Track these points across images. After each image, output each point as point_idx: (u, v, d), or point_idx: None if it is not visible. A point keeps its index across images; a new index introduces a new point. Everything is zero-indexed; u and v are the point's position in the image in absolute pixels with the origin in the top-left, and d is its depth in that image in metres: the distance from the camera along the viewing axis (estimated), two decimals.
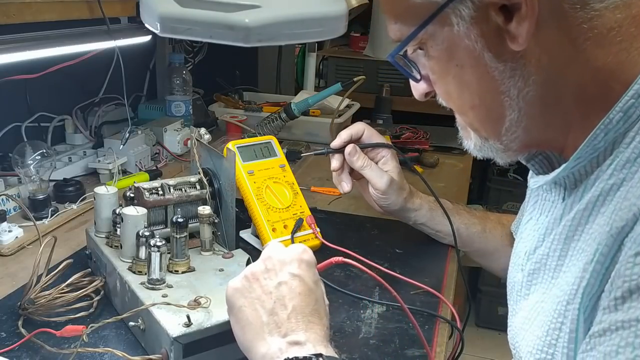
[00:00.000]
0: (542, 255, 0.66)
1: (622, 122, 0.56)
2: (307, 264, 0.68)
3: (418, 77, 0.68)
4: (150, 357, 0.70)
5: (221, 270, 0.83)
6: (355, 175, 1.04)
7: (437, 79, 0.66)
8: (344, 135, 1.01)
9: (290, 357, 0.58)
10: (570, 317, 0.57)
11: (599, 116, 0.58)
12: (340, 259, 0.73)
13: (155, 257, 0.76)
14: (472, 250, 1.05)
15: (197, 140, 0.98)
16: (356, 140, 1.02)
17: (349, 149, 1.00)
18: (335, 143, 1.01)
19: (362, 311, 0.87)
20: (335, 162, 1.02)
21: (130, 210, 0.83)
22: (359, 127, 1.02)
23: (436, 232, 1.06)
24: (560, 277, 0.62)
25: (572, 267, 0.60)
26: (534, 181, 0.69)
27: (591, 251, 0.56)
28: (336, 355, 0.60)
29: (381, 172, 1.00)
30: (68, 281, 0.81)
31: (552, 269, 0.64)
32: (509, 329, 0.75)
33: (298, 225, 1.02)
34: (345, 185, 1.03)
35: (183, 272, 0.82)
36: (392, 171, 1.01)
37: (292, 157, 1.50)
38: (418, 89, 0.70)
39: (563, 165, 0.62)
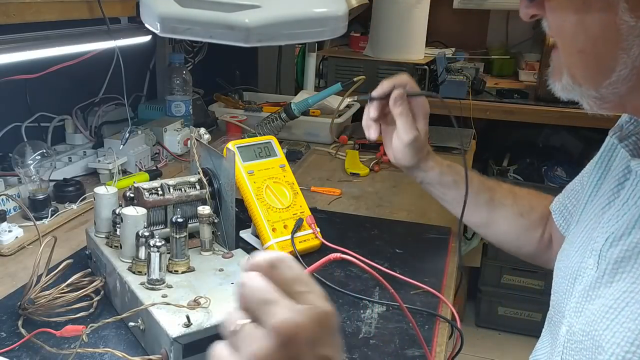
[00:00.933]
0: (636, 243, 0.63)
1: None
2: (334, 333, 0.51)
3: None
4: (150, 357, 0.70)
5: (221, 270, 0.83)
6: (387, 121, 1.03)
7: (555, 9, 0.61)
8: (386, 85, 1.00)
9: None
10: None
11: None
12: (338, 255, 0.73)
13: (155, 257, 0.76)
14: (475, 220, 1.04)
15: (197, 140, 0.98)
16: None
17: (397, 92, 0.98)
18: (378, 91, 1.00)
19: (362, 311, 0.87)
20: (373, 110, 1.01)
21: (130, 211, 0.83)
22: (404, 78, 1.01)
23: (442, 194, 1.06)
24: None
25: None
26: (637, 162, 0.66)
27: None
28: None
29: (412, 126, 0.99)
30: (68, 281, 0.81)
31: None
32: (573, 315, 0.72)
33: (298, 225, 1.02)
34: (373, 133, 1.03)
35: (183, 272, 0.82)
36: (421, 129, 1.01)
37: (292, 157, 1.50)
38: (527, 8, 0.65)
39: None
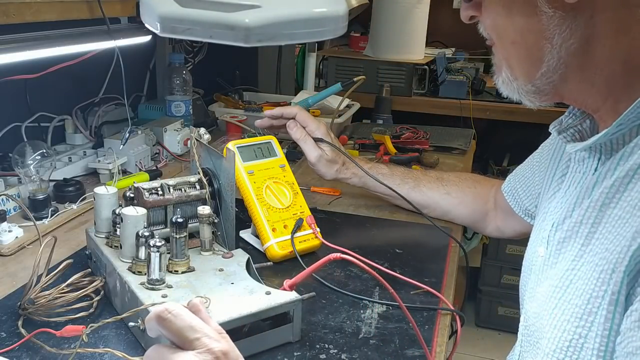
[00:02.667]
0: (574, 224, 0.67)
1: None
2: None
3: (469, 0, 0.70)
4: None
5: (221, 270, 0.83)
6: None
7: (487, 6, 0.67)
8: (276, 112, 1.17)
9: None
10: (613, 281, 0.59)
11: None
12: (338, 255, 0.73)
13: (155, 257, 0.76)
14: (410, 204, 1.16)
15: (197, 140, 0.98)
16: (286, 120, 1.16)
17: (291, 123, 1.15)
18: (261, 122, 1.18)
19: (362, 311, 0.87)
20: (265, 122, 1.18)
21: (130, 211, 0.83)
22: (292, 111, 1.16)
23: (375, 193, 1.20)
24: (593, 243, 0.64)
25: (608, 233, 0.61)
26: (572, 146, 0.71)
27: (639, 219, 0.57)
28: None
29: (314, 147, 1.13)
30: (68, 281, 0.81)
31: (583, 236, 0.65)
32: (527, 301, 0.77)
33: (298, 225, 1.02)
34: (263, 122, 1.19)
35: (183, 272, 0.82)
36: (325, 147, 1.14)
37: (292, 157, 1.50)
38: (466, 10, 0.71)
39: (604, 131, 0.64)
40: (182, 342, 0.53)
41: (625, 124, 0.62)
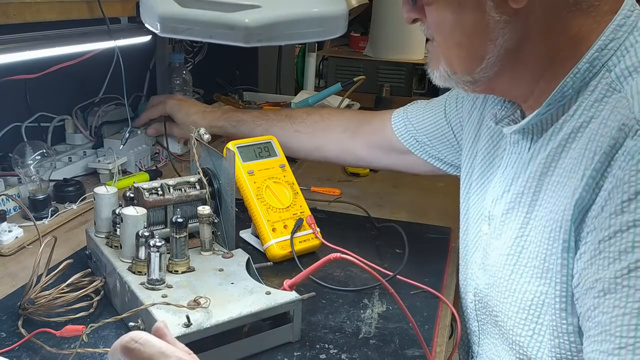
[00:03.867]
0: (516, 195, 0.75)
1: (588, 72, 0.67)
2: None
3: (414, 4, 0.74)
4: None
5: (221, 270, 0.83)
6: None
7: (434, 10, 0.71)
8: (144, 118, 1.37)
9: None
10: (563, 232, 0.65)
11: (566, 73, 0.68)
12: (338, 255, 0.73)
13: (155, 257, 0.76)
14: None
15: (197, 140, 0.98)
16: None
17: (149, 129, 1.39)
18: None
19: (362, 311, 0.87)
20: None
21: (130, 211, 0.83)
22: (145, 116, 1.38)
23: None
24: (537, 210, 0.71)
25: (550, 198, 0.69)
26: (508, 128, 0.78)
27: (576, 176, 0.64)
28: None
29: (176, 130, 1.35)
30: (68, 281, 0.81)
31: (526, 205, 0.73)
32: (476, 276, 0.82)
33: (298, 225, 1.02)
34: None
35: (183, 272, 0.82)
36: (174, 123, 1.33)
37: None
38: (409, 13, 0.76)
39: (535, 112, 0.71)
40: None
41: (553, 104, 0.69)
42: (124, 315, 0.73)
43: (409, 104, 1.12)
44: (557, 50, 0.69)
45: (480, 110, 0.93)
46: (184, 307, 0.71)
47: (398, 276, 0.94)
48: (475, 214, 0.87)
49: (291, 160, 1.40)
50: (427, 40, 0.78)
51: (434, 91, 2.37)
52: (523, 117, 0.79)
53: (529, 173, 0.73)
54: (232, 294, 0.77)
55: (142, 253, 0.79)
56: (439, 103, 1.06)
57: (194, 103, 1.31)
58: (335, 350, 0.77)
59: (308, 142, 1.19)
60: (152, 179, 1.30)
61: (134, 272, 0.80)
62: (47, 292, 0.79)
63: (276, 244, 0.99)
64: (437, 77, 0.76)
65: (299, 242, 1.01)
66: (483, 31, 0.68)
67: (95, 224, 0.91)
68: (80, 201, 1.17)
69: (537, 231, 0.70)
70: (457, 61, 0.73)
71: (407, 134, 1.08)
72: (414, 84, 2.36)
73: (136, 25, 1.25)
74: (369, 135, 1.15)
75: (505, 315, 0.75)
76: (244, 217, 1.05)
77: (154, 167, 1.41)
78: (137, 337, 0.50)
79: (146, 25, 0.98)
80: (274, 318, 0.77)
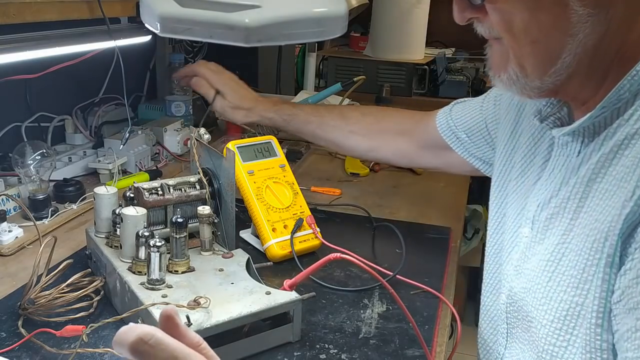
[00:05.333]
0: (562, 200, 0.70)
1: None
2: None
3: (479, 1, 0.66)
4: None
5: (221, 270, 0.83)
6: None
7: (503, 7, 0.65)
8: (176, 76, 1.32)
9: None
10: (608, 245, 0.62)
11: (625, 74, 0.63)
12: (338, 255, 0.73)
13: (155, 257, 0.76)
14: (322, 143, 1.24)
15: (197, 140, 0.98)
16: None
17: (194, 80, 1.23)
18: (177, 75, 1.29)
19: (362, 311, 0.87)
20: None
21: (130, 211, 0.83)
22: (193, 69, 1.25)
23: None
24: (582, 217, 0.67)
25: (597, 206, 0.65)
26: (558, 130, 0.73)
27: (628, 187, 0.61)
28: None
29: (218, 98, 1.21)
30: (68, 281, 0.81)
31: (571, 211, 0.69)
32: (512, 279, 0.78)
33: (298, 225, 1.02)
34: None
35: (183, 272, 0.82)
36: (229, 96, 1.21)
37: (292, 157, 1.50)
38: (464, 12, 0.69)
39: (588, 114, 0.67)
40: None
41: (608, 107, 0.65)
42: (124, 315, 0.73)
43: (455, 101, 1.11)
44: (625, 48, 0.64)
45: (518, 106, 0.89)
46: (184, 307, 0.71)
47: (398, 276, 0.94)
48: (513, 214, 0.83)
49: (291, 160, 1.40)
50: (486, 41, 0.72)
51: (434, 91, 2.37)
52: (570, 116, 0.75)
53: (577, 178, 0.69)
54: (232, 294, 0.77)
55: (142, 253, 0.79)
56: (479, 99, 1.04)
57: (247, 87, 1.26)
58: (335, 350, 0.77)
59: (363, 143, 1.19)
60: (152, 179, 1.30)
61: (134, 272, 0.80)
62: (47, 292, 0.79)
63: (276, 244, 0.99)
64: (503, 80, 0.70)
65: (299, 242, 1.01)
66: (563, 26, 0.62)
67: (95, 224, 0.91)
68: (80, 201, 1.17)
69: (579, 239, 0.67)
70: (531, 61, 0.66)
71: (448, 130, 1.07)
72: (414, 84, 2.35)
73: (136, 25, 1.25)
74: (419, 136, 1.14)
75: (539, 323, 0.72)
76: (244, 217, 1.05)
77: (154, 167, 1.41)
78: (147, 336, 0.43)
79: (146, 25, 0.98)
80: (274, 318, 0.77)
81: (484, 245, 2.03)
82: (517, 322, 0.78)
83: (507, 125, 0.90)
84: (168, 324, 0.46)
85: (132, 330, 0.42)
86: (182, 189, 0.92)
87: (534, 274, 0.72)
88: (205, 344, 0.48)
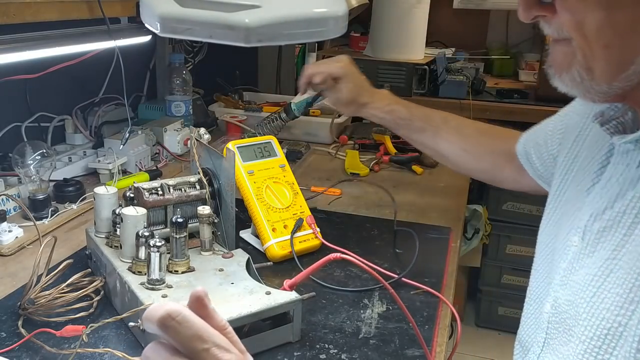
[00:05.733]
0: (617, 214, 0.67)
1: None
2: None
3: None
4: None
5: (221, 270, 0.83)
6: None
7: (576, 6, 0.60)
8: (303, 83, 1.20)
9: None
10: None
11: None
12: (338, 255, 0.73)
13: (155, 257, 0.76)
14: (427, 152, 1.19)
15: (197, 140, 0.98)
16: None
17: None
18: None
19: (362, 311, 0.87)
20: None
21: (130, 211, 0.83)
22: (308, 71, 1.18)
23: (392, 129, 1.18)
24: (636, 234, 0.64)
25: None
26: (619, 137, 0.69)
27: None
28: None
29: (332, 90, 1.15)
30: (68, 281, 0.81)
31: (626, 226, 0.65)
32: (557, 288, 0.75)
33: (298, 225, 1.02)
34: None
35: (183, 272, 0.82)
36: (344, 88, 1.14)
37: (292, 157, 1.50)
38: (531, 11, 0.65)
39: None
40: (188, 352, 0.47)
41: None
42: (124, 315, 0.73)
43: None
44: None
45: (587, 108, 0.84)
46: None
47: (398, 276, 0.94)
48: (567, 221, 0.79)
49: (291, 160, 1.40)
50: (551, 40, 0.67)
51: (434, 91, 2.37)
52: (634, 121, 0.71)
53: (635, 192, 0.65)
54: (232, 294, 0.77)
55: (142, 253, 0.79)
56: (555, 116, 0.99)
57: (365, 79, 1.17)
58: (335, 350, 0.77)
59: (475, 165, 1.13)
60: (152, 179, 1.30)
61: (134, 272, 0.80)
62: (47, 292, 0.79)
63: (276, 244, 0.99)
64: (565, 80, 0.66)
65: (299, 242, 1.01)
66: None
67: (95, 224, 0.91)
68: (80, 201, 1.17)
69: (630, 257, 0.63)
70: (601, 65, 0.62)
71: (523, 150, 1.02)
72: (414, 84, 2.35)
73: (136, 25, 1.26)
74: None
75: (578, 339, 0.68)
76: (244, 217, 1.05)
77: (154, 167, 1.41)
78: (175, 312, 0.45)
79: (146, 25, 0.98)
80: (274, 318, 0.77)
81: (484, 245, 2.00)
82: (557, 334, 0.75)
83: (574, 129, 0.86)
84: (196, 304, 0.48)
85: (162, 307, 0.45)
86: (182, 189, 0.92)
87: (580, 287, 0.69)
88: (230, 329, 0.50)
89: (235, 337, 0.50)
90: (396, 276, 0.93)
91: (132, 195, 0.89)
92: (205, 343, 0.46)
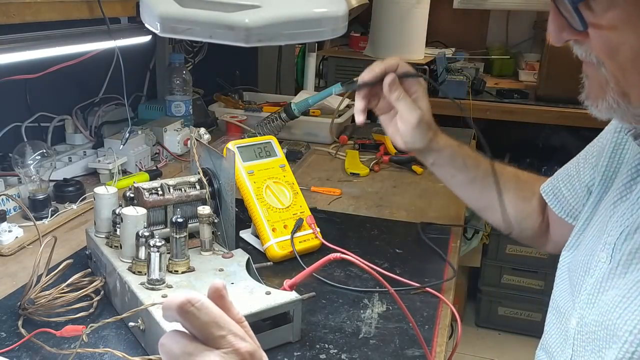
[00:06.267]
0: None
1: None
2: None
3: (581, 27, 0.60)
4: (150, 357, 0.70)
5: (221, 270, 0.83)
6: (382, 109, 0.99)
7: (609, 33, 0.59)
8: (377, 69, 0.94)
9: None
10: None
11: None
12: (338, 255, 0.73)
13: (155, 257, 0.76)
14: (480, 204, 1.04)
15: (197, 140, 0.98)
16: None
17: (389, 78, 0.92)
18: (367, 76, 0.94)
19: (362, 311, 0.87)
20: (360, 101, 0.97)
21: (130, 211, 0.83)
22: (393, 62, 0.95)
23: (451, 176, 1.03)
24: None
25: None
26: None
27: None
28: None
29: (414, 106, 0.94)
30: (68, 281, 0.81)
31: None
32: (584, 307, 0.72)
33: (298, 225, 1.02)
34: (361, 118, 0.98)
35: (183, 272, 0.82)
36: (424, 107, 0.95)
37: (292, 157, 1.50)
38: (562, 35, 0.64)
39: None
40: (205, 338, 0.48)
41: None
42: (124, 315, 0.73)
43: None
44: None
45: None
46: None
47: (398, 276, 0.94)
48: (592, 234, 0.77)
49: (291, 160, 1.40)
50: (582, 63, 0.66)
51: (434, 91, 2.37)
52: None
53: None
54: (232, 294, 0.77)
55: (142, 253, 0.79)
56: (586, 147, 0.94)
57: (426, 103, 0.98)
58: (335, 350, 0.77)
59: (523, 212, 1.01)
60: (152, 179, 1.30)
61: (134, 272, 0.80)
62: (47, 292, 0.79)
63: (276, 244, 0.99)
64: (602, 109, 0.64)
65: (299, 242, 1.01)
66: None
67: (95, 224, 0.91)
68: (80, 201, 1.17)
69: None
70: (637, 91, 0.61)
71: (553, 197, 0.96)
72: None
73: (136, 25, 1.26)
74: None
75: None
76: (244, 217, 1.05)
77: (154, 167, 1.41)
78: (194, 299, 0.47)
79: (146, 25, 0.98)
80: (274, 318, 0.77)
81: (484, 245, 1.99)
82: (584, 353, 0.73)
83: (610, 146, 0.82)
84: (215, 295, 0.50)
85: (181, 294, 0.47)
86: (182, 189, 0.92)
87: (608, 309, 0.67)
88: (246, 323, 0.51)
89: (251, 332, 0.51)
90: (389, 274, 0.93)
91: (132, 195, 0.89)
92: (222, 330, 0.48)
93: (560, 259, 0.83)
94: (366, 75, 0.95)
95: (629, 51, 0.59)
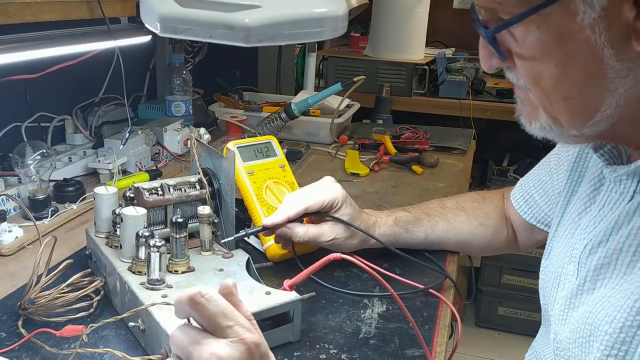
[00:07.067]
0: (613, 250, 0.64)
1: None
2: None
3: (503, 57, 0.63)
4: (150, 357, 0.70)
5: (221, 270, 0.83)
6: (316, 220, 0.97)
7: (531, 62, 0.60)
8: (278, 219, 0.91)
9: None
10: None
11: None
12: (338, 255, 0.74)
13: (155, 257, 0.76)
14: (446, 247, 1.05)
15: (197, 140, 0.98)
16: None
17: (281, 231, 0.92)
18: (268, 222, 0.91)
19: (362, 311, 0.87)
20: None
21: (130, 211, 0.83)
22: (295, 211, 0.92)
23: (407, 245, 1.01)
24: (635, 272, 0.61)
25: None
26: (611, 170, 0.68)
27: None
28: None
29: (324, 236, 0.93)
30: (68, 281, 0.81)
31: (625, 265, 0.63)
32: (557, 322, 0.72)
33: None
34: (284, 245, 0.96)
35: (183, 272, 0.82)
36: (337, 229, 0.95)
37: (292, 157, 1.50)
38: (491, 62, 0.66)
39: None
40: (213, 329, 0.51)
41: None
42: (124, 315, 0.73)
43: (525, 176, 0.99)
44: None
45: None
46: None
47: (398, 276, 0.94)
48: (562, 243, 0.77)
49: (291, 160, 1.40)
50: (515, 86, 0.67)
51: (434, 91, 2.37)
52: (628, 150, 0.69)
53: (631, 229, 0.63)
54: None
55: (142, 253, 0.79)
56: (546, 159, 0.96)
57: (358, 210, 1.00)
58: (335, 350, 0.77)
59: (488, 235, 1.04)
60: (152, 179, 1.30)
61: (134, 272, 0.80)
62: (47, 292, 0.79)
63: (276, 244, 0.99)
64: (535, 129, 0.65)
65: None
66: (599, 83, 0.57)
67: (95, 224, 0.91)
68: (80, 201, 1.17)
69: (622, 295, 0.61)
70: (564, 116, 0.61)
71: (525, 205, 0.97)
72: (414, 84, 2.36)
73: (136, 25, 1.25)
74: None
75: None
76: (244, 217, 1.05)
77: (154, 167, 1.41)
78: (204, 292, 0.51)
79: (146, 25, 0.98)
80: (274, 318, 0.77)
81: None
82: None
83: (575, 152, 0.82)
84: (225, 292, 0.53)
85: (192, 288, 0.51)
86: (182, 189, 0.92)
87: (579, 326, 0.66)
88: (254, 321, 0.54)
89: (259, 330, 0.54)
90: (389, 274, 0.93)
91: (132, 195, 0.89)
92: (230, 320, 0.51)
93: (541, 267, 0.83)
94: (268, 222, 0.91)
95: (550, 79, 0.59)
